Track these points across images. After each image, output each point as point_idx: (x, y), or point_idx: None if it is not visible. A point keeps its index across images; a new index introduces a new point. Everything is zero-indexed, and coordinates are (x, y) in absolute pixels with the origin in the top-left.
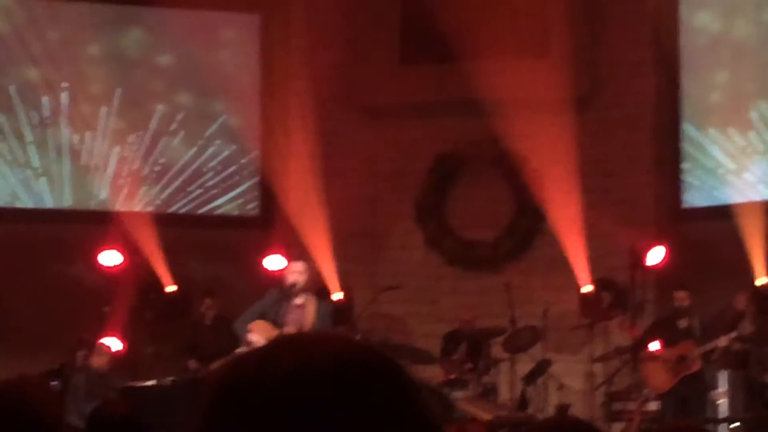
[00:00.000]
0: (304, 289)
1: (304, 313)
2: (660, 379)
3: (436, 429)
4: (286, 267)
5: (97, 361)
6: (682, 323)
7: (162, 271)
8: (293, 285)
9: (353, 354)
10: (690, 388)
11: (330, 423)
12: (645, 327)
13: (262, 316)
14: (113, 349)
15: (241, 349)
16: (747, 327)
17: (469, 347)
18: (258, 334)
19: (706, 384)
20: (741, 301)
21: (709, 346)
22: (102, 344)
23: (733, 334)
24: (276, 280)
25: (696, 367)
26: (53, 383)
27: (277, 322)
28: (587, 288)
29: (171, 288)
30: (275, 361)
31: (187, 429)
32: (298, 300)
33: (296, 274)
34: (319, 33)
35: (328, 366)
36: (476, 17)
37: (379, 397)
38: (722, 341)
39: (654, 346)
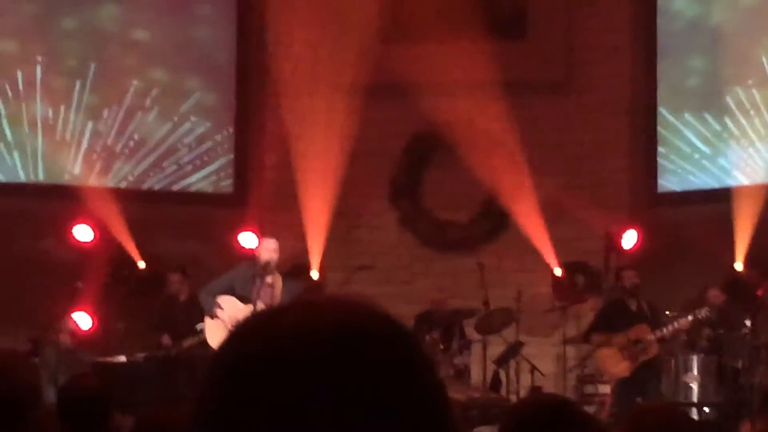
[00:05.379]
0: (275, 268)
1: (273, 293)
2: (617, 365)
3: (444, 397)
4: (259, 244)
5: (68, 337)
6: (632, 304)
7: (134, 247)
8: (267, 263)
9: (358, 317)
10: (648, 374)
11: (334, 387)
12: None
13: (230, 291)
14: (85, 325)
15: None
16: (703, 312)
17: (442, 328)
18: (225, 311)
19: (660, 369)
20: (716, 296)
21: (665, 331)
22: (73, 320)
23: (690, 317)
24: (247, 256)
25: (653, 352)
26: (34, 359)
27: (246, 299)
28: (559, 271)
29: (143, 264)
30: (278, 324)
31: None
32: (269, 278)
33: (270, 251)
34: (296, 12)
35: (330, 327)
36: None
37: (383, 361)
38: (682, 324)
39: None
